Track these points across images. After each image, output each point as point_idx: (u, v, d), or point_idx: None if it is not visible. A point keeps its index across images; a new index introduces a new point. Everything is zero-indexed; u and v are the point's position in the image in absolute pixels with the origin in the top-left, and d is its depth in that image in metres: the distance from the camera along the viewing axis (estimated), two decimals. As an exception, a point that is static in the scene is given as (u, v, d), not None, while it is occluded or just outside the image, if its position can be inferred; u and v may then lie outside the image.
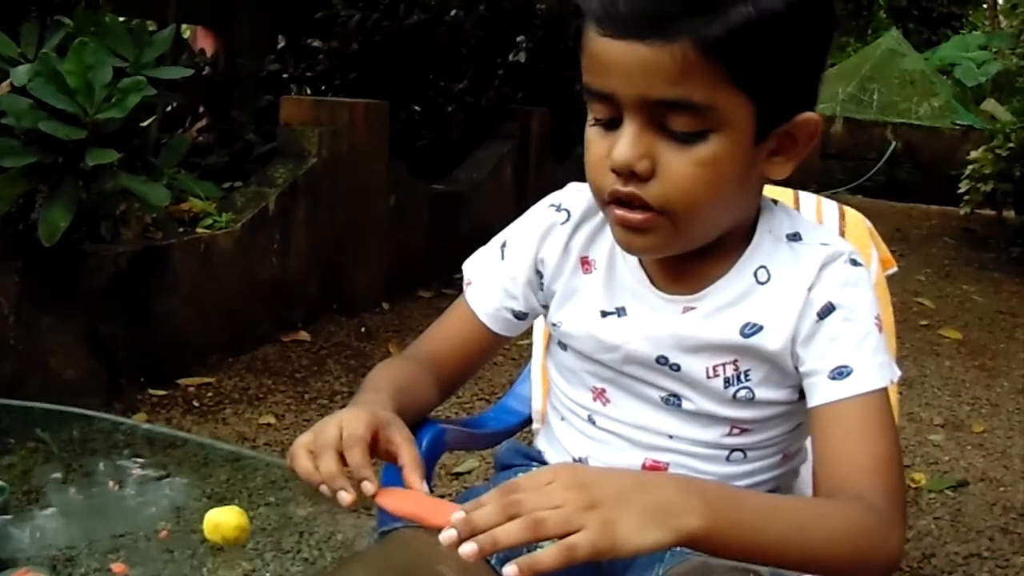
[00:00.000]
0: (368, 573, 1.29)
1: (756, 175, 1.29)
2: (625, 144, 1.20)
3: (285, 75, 6.30)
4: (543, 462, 1.57)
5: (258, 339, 4.59)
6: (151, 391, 3.89)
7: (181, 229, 4.17)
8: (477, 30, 6.58)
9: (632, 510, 1.02)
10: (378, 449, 1.22)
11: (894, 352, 1.73)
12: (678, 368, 1.35)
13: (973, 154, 8.20)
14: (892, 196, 10.52)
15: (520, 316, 1.52)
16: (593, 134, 1.26)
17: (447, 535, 1.01)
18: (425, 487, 1.19)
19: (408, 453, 1.21)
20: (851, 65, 13.09)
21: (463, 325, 1.54)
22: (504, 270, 1.51)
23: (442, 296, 5.53)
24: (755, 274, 1.34)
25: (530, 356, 2.07)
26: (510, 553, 0.99)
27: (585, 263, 1.45)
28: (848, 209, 2.08)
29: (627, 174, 1.21)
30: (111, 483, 1.19)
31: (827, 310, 1.30)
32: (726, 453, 1.39)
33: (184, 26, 6.36)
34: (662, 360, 1.36)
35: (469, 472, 3.39)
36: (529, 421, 2.01)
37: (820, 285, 1.31)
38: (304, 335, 4.82)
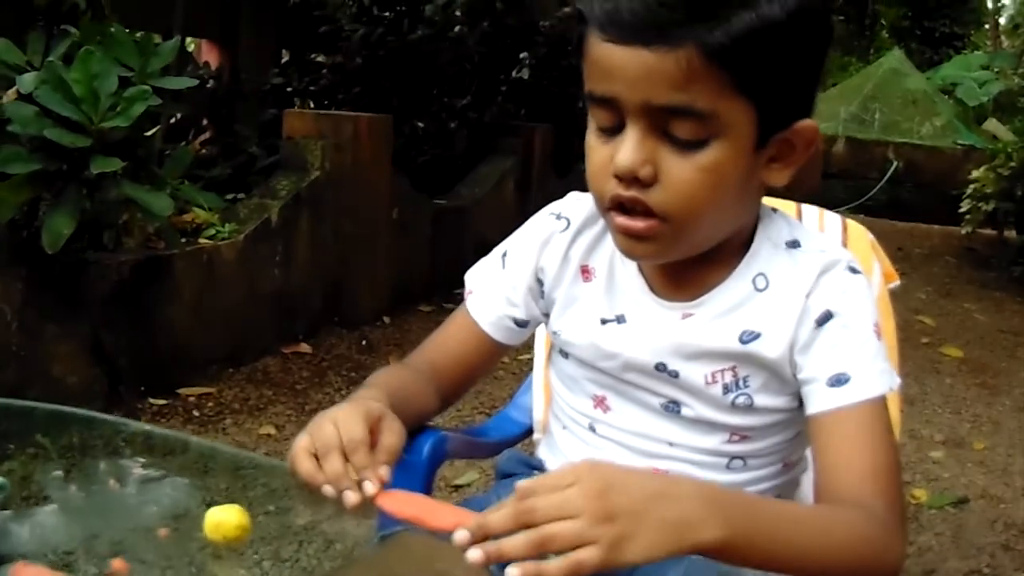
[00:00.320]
0: (369, 576, 1.29)
1: (756, 182, 1.29)
2: (628, 149, 1.19)
3: (289, 89, 6.33)
4: (544, 471, 1.57)
5: (259, 350, 4.59)
6: (151, 400, 3.89)
7: (184, 239, 4.18)
8: (481, 46, 6.60)
9: (649, 525, 1.00)
10: (372, 444, 1.21)
11: (895, 362, 1.73)
12: (677, 375, 1.35)
13: (975, 173, 8.21)
14: (894, 215, 10.52)
15: (521, 324, 1.52)
16: (594, 141, 1.26)
17: (460, 535, 1.01)
18: (387, 471, 1.17)
19: (385, 442, 1.20)
20: (853, 85, 13.12)
21: (464, 334, 1.54)
22: (505, 279, 1.51)
23: (443, 310, 5.53)
24: (754, 281, 1.34)
25: (531, 370, 2.06)
26: None
27: (585, 271, 1.45)
28: (851, 222, 2.08)
29: (629, 179, 1.21)
30: (111, 482, 1.20)
31: (825, 317, 1.30)
32: (726, 461, 1.39)
33: (189, 40, 6.39)
34: (661, 367, 1.36)
35: (469, 484, 3.39)
36: (531, 431, 2.00)
37: (818, 292, 1.31)
38: (305, 347, 4.82)
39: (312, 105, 6.38)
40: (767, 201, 1.42)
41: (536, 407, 2.01)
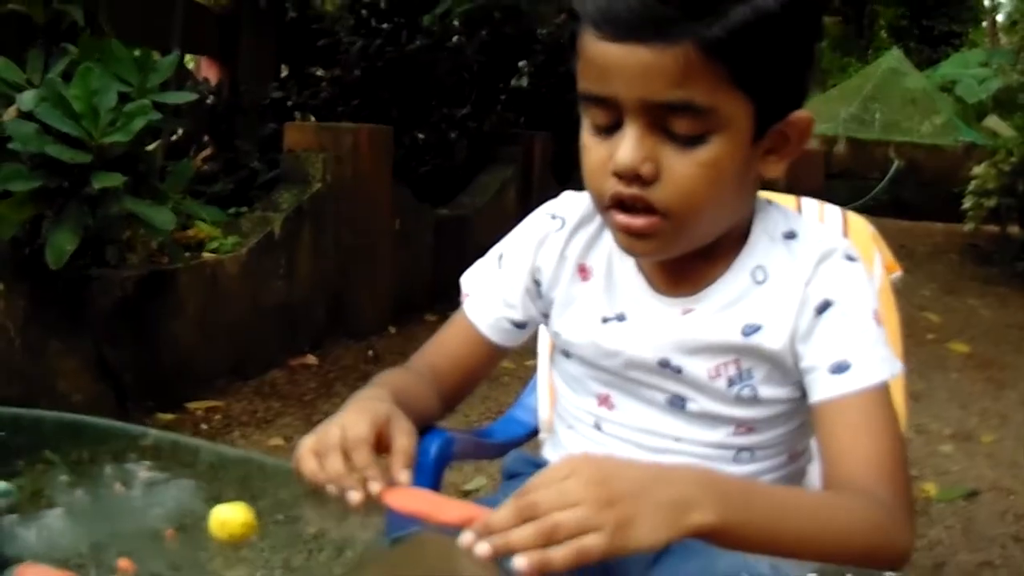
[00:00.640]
0: (382, 577, 1.28)
1: (753, 175, 1.29)
2: (628, 147, 1.19)
3: (289, 103, 6.34)
4: (547, 470, 1.57)
5: (266, 363, 4.60)
6: (159, 415, 3.89)
7: (187, 254, 4.19)
8: (479, 55, 6.61)
9: (648, 507, 1.01)
10: (382, 446, 1.21)
11: (898, 352, 1.73)
12: (680, 370, 1.35)
13: (976, 170, 8.21)
14: (896, 214, 10.51)
15: (519, 325, 1.52)
16: (591, 141, 1.26)
17: (466, 537, 1.01)
18: (405, 475, 1.17)
19: (399, 443, 1.20)
20: (853, 85, 13.14)
21: (463, 337, 1.54)
22: (502, 280, 1.51)
23: (448, 319, 5.52)
24: (752, 274, 1.34)
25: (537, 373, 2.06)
26: None
27: (583, 271, 1.44)
28: (851, 214, 2.08)
29: (630, 177, 1.20)
30: (118, 485, 1.20)
31: (824, 306, 1.30)
32: (732, 453, 1.38)
33: (188, 57, 6.41)
34: (664, 363, 1.36)
35: (477, 490, 3.39)
36: (536, 431, 2.00)
37: (816, 281, 1.31)
38: (312, 359, 4.82)
39: (312, 118, 6.39)
40: (767, 195, 1.43)
41: (541, 407, 2.01)
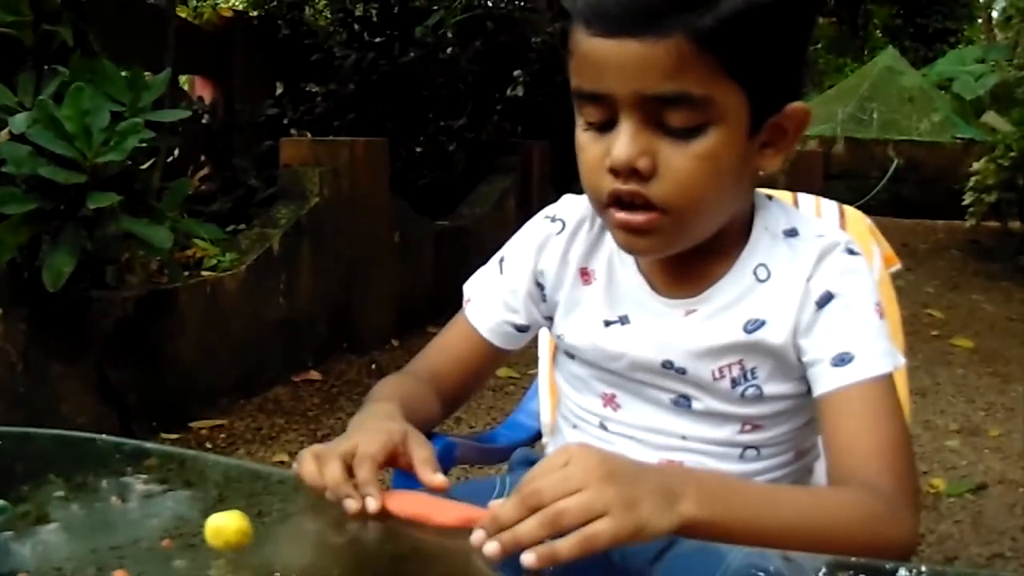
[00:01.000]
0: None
1: (750, 168, 1.28)
2: (624, 142, 1.18)
3: (285, 120, 6.35)
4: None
5: (269, 380, 4.59)
6: (163, 435, 3.88)
7: (186, 273, 4.18)
8: (473, 65, 6.62)
9: (646, 488, 1.03)
10: (398, 463, 1.22)
11: (900, 346, 1.72)
12: (684, 371, 1.34)
13: (976, 165, 8.20)
14: (897, 213, 10.50)
15: (522, 329, 1.52)
16: (586, 139, 1.25)
17: (477, 535, 1.02)
18: (441, 477, 1.18)
19: (421, 454, 1.21)
20: (849, 85, 13.13)
21: (463, 341, 1.53)
22: (504, 284, 1.51)
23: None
24: (755, 272, 1.33)
25: (541, 378, 2.06)
26: None
27: (585, 274, 1.44)
28: (848, 208, 2.08)
29: (627, 173, 1.20)
30: (114, 498, 1.19)
31: (825, 299, 1.29)
32: (739, 451, 1.38)
33: (183, 78, 6.43)
34: (668, 364, 1.35)
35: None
36: (539, 435, 2.00)
37: (818, 275, 1.30)
38: (315, 374, 4.82)
39: (309, 134, 6.40)
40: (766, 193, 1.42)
41: (543, 411, 2.01)
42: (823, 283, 1.30)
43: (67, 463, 1.29)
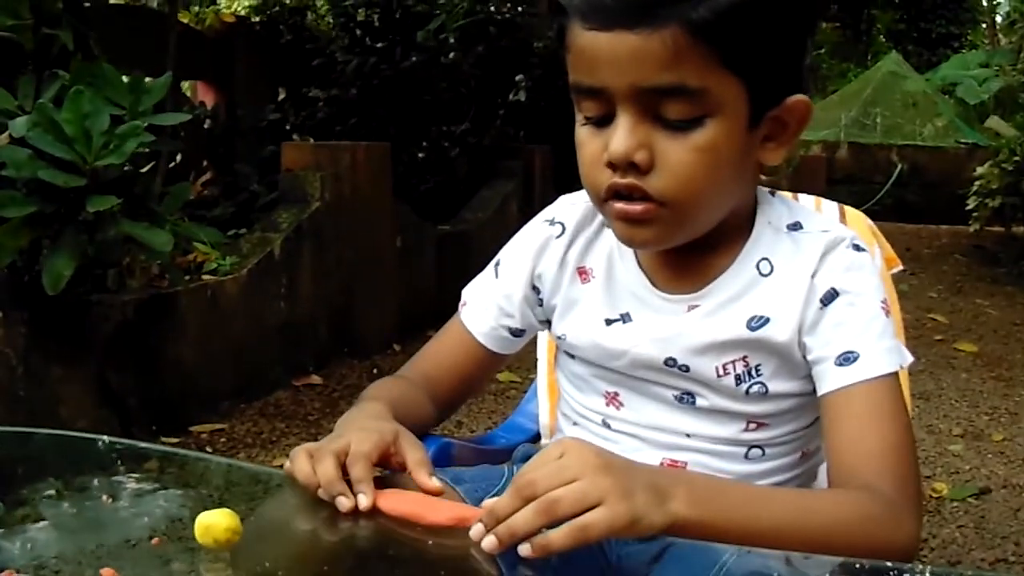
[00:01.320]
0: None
1: (751, 162, 1.28)
2: (622, 136, 1.18)
3: (287, 125, 6.34)
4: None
5: (270, 384, 4.58)
6: (163, 438, 3.87)
7: (187, 277, 4.18)
8: (476, 70, 6.61)
9: (638, 482, 1.03)
10: (390, 463, 1.22)
11: (902, 340, 1.71)
12: (687, 369, 1.33)
13: (979, 170, 8.20)
14: (901, 218, 10.49)
15: (517, 334, 1.51)
16: (584, 134, 1.25)
17: (476, 529, 1.03)
18: (436, 482, 1.18)
19: (415, 455, 1.21)
20: (852, 90, 13.13)
21: (458, 345, 1.53)
22: (499, 288, 1.50)
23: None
24: (758, 266, 1.33)
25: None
26: None
27: (582, 273, 1.43)
28: (848, 208, 2.06)
29: (625, 166, 1.19)
30: (105, 497, 1.19)
31: (830, 296, 1.28)
32: (744, 450, 1.37)
33: (186, 84, 6.43)
34: (671, 362, 1.34)
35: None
36: (538, 437, 1.99)
37: (823, 271, 1.30)
38: (316, 379, 4.81)
39: (311, 140, 6.40)
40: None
41: (542, 412, 2.00)
42: (828, 279, 1.29)
43: (65, 464, 1.29)
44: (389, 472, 1.24)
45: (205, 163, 5.86)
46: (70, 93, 3.20)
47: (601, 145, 1.22)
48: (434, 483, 1.18)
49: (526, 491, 1.01)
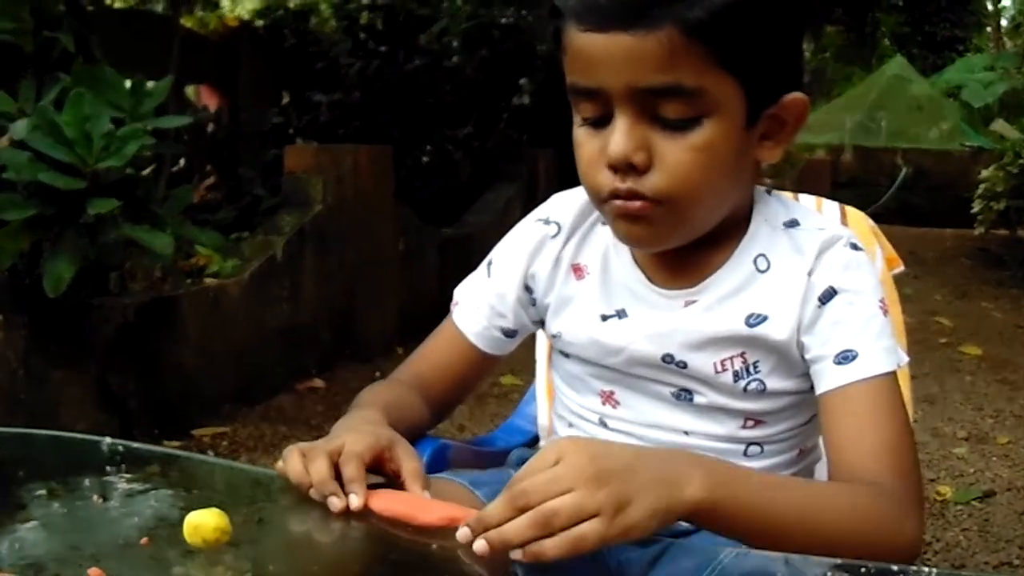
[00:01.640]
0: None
1: (749, 160, 1.27)
2: (620, 137, 1.18)
3: (290, 129, 6.35)
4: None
5: (272, 388, 4.57)
6: (165, 442, 3.86)
7: (189, 280, 4.18)
8: (479, 73, 6.62)
9: (641, 482, 1.02)
10: (384, 468, 1.21)
11: (902, 345, 1.70)
12: (685, 365, 1.33)
13: (984, 173, 8.18)
14: (905, 221, 10.45)
15: (509, 334, 1.50)
16: (582, 135, 1.25)
17: (463, 532, 1.02)
18: (427, 496, 1.17)
19: (410, 465, 1.20)
20: (858, 94, 13.12)
21: (450, 346, 1.52)
22: (491, 288, 1.49)
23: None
24: (755, 262, 1.32)
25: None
26: None
27: (577, 269, 1.42)
28: (850, 208, 2.05)
29: (624, 168, 1.20)
30: (96, 497, 1.18)
31: (829, 294, 1.28)
32: (743, 447, 1.36)
33: (191, 89, 6.44)
34: (668, 359, 1.33)
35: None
36: (536, 439, 1.98)
37: (820, 270, 1.29)
38: (319, 382, 4.80)
39: (315, 143, 6.41)
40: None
41: (540, 413, 1.99)
42: (825, 278, 1.29)
43: (66, 465, 1.28)
44: (383, 482, 1.23)
45: (208, 167, 5.87)
46: (71, 96, 3.20)
47: (599, 146, 1.22)
48: (426, 497, 1.17)
49: (519, 501, 1.00)
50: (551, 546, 0.97)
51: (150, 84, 3.72)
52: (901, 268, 2.00)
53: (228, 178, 5.84)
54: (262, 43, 6.56)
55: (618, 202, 1.23)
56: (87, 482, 1.22)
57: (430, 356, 1.54)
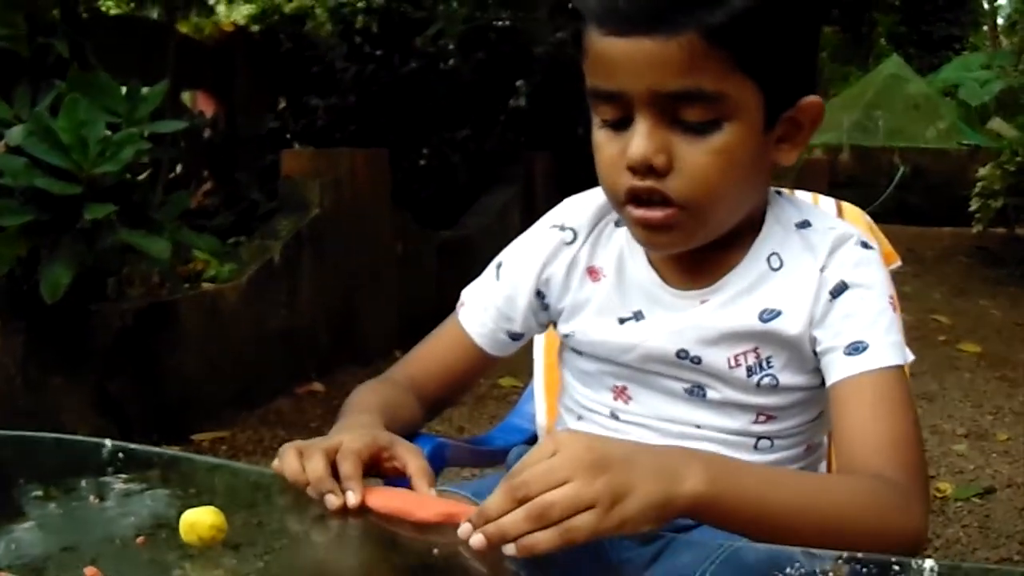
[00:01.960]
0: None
1: (766, 163, 1.29)
2: (640, 140, 1.20)
3: (287, 134, 6.35)
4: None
5: (272, 392, 4.57)
6: (164, 447, 3.85)
7: (187, 285, 4.17)
8: (476, 75, 6.62)
9: (639, 472, 1.02)
10: (382, 467, 1.21)
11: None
12: (699, 360, 1.34)
13: (982, 171, 8.18)
14: (904, 220, 10.43)
15: (515, 337, 1.51)
16: (603, 137, 1.26)
17: (464, 528, 1.01)
18: (434, 493, 1.17)
19: (415, 463, 1.20)
20: (854, 93, 13.11)
21: (452, 346, 1.52)
22: (500, 291, 1.49)
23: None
24: (768, 260, 1.34)
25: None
26: None
27: (592, 272, 1.43)
28: (846, 205, 2.06)
29: (644, 170, 1.21)
30: (92, 498, 1.18)
31: (839, 289, 1.30)
32: (753, 441, 1.37)
33: (187, 95, 6.44)
34: (682, 354, 1.34)
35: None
36: (535, 439, 1.97)
37: (832, 266, 1.31)
38: (318, 386, 4.79)
39: (312, 148, 6.41)
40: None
41: (539, 412, 1.98)
42: (837, 273, 1.31)
43: (66, 468, 1.28)
44: (385, 481, 1.23)
45: (205, 172, 5.87)
46: (66, 101, 3.21)
47: (619, 148, 1.23)
48: (432, 494, 1.17)
49: (519, 492, 1.00)
50: (543, 539, 0.97)
51: (145, 90, 3.72)
52: (898, 264, 2.00)
53: (225, 183, 5.84)
54: (258, 48, 6.55)
55: (639, 211, 1.25)
56: (83, 483, 1.22)
57: (430, 354, 1.54)
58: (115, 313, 3.77)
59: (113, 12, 6.07)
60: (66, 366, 3.58)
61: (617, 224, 1.40)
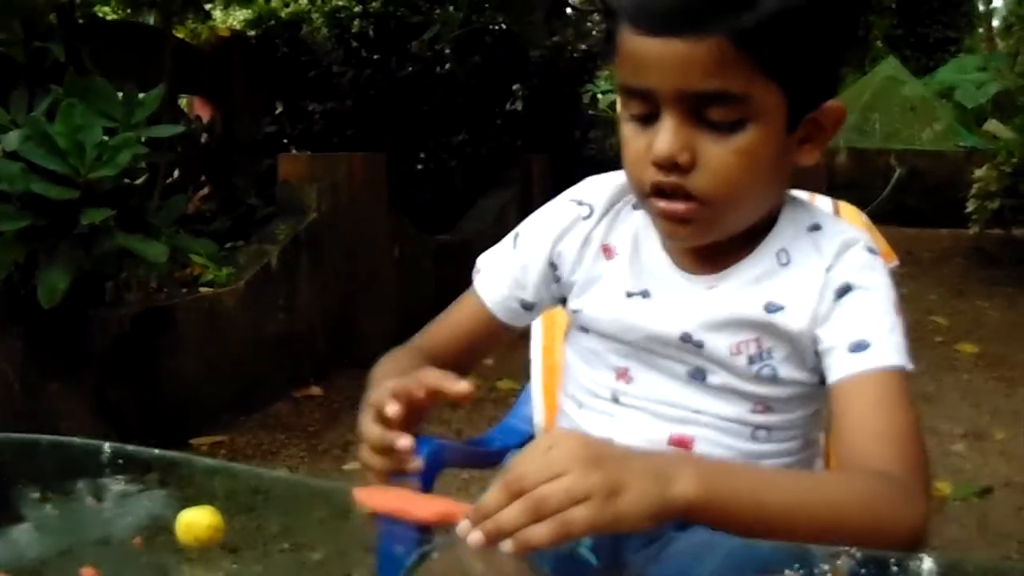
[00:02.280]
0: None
1: (787, 163, 1.32)
2: (666, 137, 1.23)
3: (284, 139, 6.35)
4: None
5: (270, 396, 4.57)
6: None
7: (184, 289, 4.17)
8: (472, 79, 6.62)
9: (633, 471, 1.02)
10: (415, 403, 1.24)
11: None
12: (702, 345, 1.36)
13: (978, 172, 8.19)
14: (901, 222, 10.40)
15: (528, 307, 1.53)
16: (630, 131, 1.29)
17: (463, 526, 1.02)
18: (465, 384, 1.21)
19: (432, 374, 1.25)
20: (851, 95, 13.08)
21: (468, 312, 1.55)
22: (516, 259, 1.52)
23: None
24: (777, 255, 1.36)
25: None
26: None
27: (607, 250, 1.46)
28: (843, 204, 2.06)
29: (669, 166, 1.24)
30: (89, 499, 1.18)
31: (844, 290, 1.32)
32: (750, 430, 1.39)
33: (183, 100, 6.43)
34: (686, 337, 1.36)
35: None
36: (532, 439, 1.97)
37: (838, 267, 1.33)
38: (316, 390, 4.79)
39: (309, 152, 6.40)
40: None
41: (536, 413, 1.99)
42: (843, 275, 1.33)
43: (66, 471, 1.28)
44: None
45: (202, 177, 5.86)
46: (62, 106, 3.21)
47: (645, 143, 1.26)
48: (463, 385, 1.21)
49: (514, 486, 1.00)
50: (538, 533, 0.98)
51: (142, 95, 3.72)
52: (895, 263, 2.00)
53: (222, 188, 5.84)
54: (254, 53, 6.55)
55: (662, 204, 1.28)
56: (80, 484, 1.21)
57: (447, 322, 1.58)
58: (113, 318, 3.77)
59: (110, 17, 6.06)
60: (64, 371, 3.58)
61: (634, 206, 1.44)
